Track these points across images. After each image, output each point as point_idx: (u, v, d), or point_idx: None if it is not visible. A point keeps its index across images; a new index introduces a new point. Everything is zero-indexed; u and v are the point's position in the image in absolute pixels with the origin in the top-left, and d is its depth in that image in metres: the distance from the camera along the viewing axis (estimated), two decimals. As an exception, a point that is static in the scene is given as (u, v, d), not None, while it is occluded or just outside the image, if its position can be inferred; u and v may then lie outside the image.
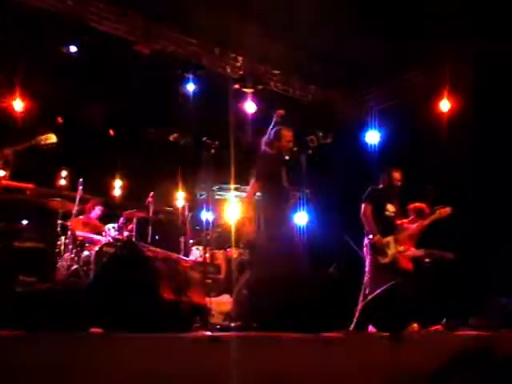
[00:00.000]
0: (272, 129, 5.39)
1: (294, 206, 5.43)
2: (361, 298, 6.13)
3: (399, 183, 6.46)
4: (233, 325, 4.70)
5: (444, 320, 6.03)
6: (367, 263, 6.30)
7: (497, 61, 7.35)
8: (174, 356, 2.79)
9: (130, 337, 2.87)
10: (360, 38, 7.14)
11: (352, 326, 6.00)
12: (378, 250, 6.21)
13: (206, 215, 7.68)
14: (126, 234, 6.85)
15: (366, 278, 6.21)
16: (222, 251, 7.86)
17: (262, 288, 4.31)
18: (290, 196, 5.22)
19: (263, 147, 5.34)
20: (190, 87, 7.88)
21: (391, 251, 6.23)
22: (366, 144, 9.30)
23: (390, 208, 6.40)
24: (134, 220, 7.09)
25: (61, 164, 7.43)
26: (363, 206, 6.33)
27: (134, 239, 6.70)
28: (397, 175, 6.48)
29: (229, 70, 8.13)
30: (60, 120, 7.86)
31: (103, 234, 6.82)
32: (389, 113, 9.23)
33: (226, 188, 8.14)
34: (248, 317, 4.40)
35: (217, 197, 8.70)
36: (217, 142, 5.31)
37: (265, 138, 5.37)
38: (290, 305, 3.97)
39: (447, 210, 6.53)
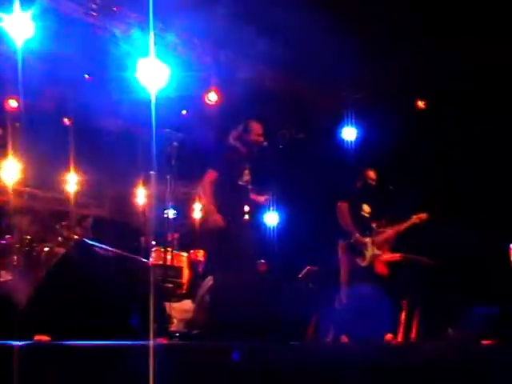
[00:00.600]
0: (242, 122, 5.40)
1: (258, 207, 5.43)
2: (336, 305, 6.16)
3: (374, 183, 6.52)
4: (194, 333, 4.68)
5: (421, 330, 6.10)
6: (344, 266, 6.32)
7: (484, 56, 7.44)
8: (129, 366, 2.75)
9: (79, 346, 2.81)
10: (336, 25, 7.14)
11: (327, 334, 6.04)
12: (355, 251, 6.23)
13: (169, 214, 7.62)
14: (79, 233, 6.76)
15: (342, 283, 6.24)
16: (185, 253, 7.81)
17: (226, 294, 4.28)
18: (249, 195, 5.20)
19: (231, 141, 5.32)
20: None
21: (369, 253, 6.26)
22: (342, 141, 9.33)
23: (366, 209, 6.44)
24: (90, 218, 7.01)
25: (8, 156, 7.26)
26: (339, 204, 6.35)
27: (88, 239, 6.60)
28: (371, 174, 6.54)
29: (196, 57, 8.06)
30: (8, 107, 7.71)
31: (54, 233, 6.72)
32: (367, 107, 9.27)
33: (191, 184, 8.08)
34: (210, 325, 4.37)
35: (181, 194, 8.63)
36: (180, 134, 5.27)
37: (233, 131, 5.36)
38: (255, 313, 3.95)
39: (423, 215, 6.60)
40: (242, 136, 5.27)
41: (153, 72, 7.06)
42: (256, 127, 5.30)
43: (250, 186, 5.24)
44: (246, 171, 5.19)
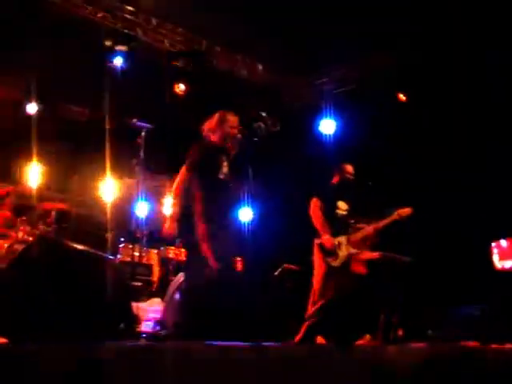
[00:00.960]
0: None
1: (237, 202, 5.38)
2: (309, 305, 6.14)
3: (352, 178, 6.46)
4: (162, 333, 4.64)
5: (400, 331, 6.12)
6: (316, 266, 6.29)
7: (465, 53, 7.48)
8: (90, 370, 2.69)
9: (39, 348, 2.74)
10: (315, 13, 7.12)
11: (299, 335, 6.03)
12: (327, 251, 6.20)
13: (138, 209, 7.55)
14: (41, 228, 6.67)
15: (314, 283, 6.21)
16: (156, 250, 7.76)
17: (197, 293, 4.24)
18: (231, 190, 5.16)
19: (204, 132, 5.27)
20: (120, 61, 7.68)
21: (342, 253, 6.22)
22: (320, 134, 9.32)
23: (342, 206, 6.39)
24: (53, 213, 6.92)
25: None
26: (311, 202, 6.31)
27: (50, 235, 6.51)
28: (349, 169, 6.49)
29: (167, 44, 7.97)
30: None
31: (16, 228, 6.60)
32: (346, 98, 9.27)
33: (161, 178, 8.02)
34: (180, 325, 4.33)
35: (151, 188, 8.56)
36: (149, 125, 5.19)
37: (207, 123, 5.30)
38: (227, 312, 3.92)
39: (407, 210, 6.55)
40: (216, 127, 5.22)
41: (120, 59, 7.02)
42: (231, 119, 5.26)
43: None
44: (225, 163, 5.15)
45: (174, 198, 5.01)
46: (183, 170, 5.02)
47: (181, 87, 8.44)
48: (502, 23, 7.06)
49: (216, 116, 5.26)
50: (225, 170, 5.12)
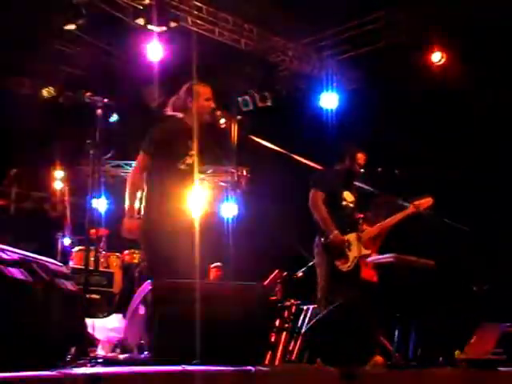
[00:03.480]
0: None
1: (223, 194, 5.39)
2: (312, 319, 6.15)
3: (362, 168, 6.45)
4: (122, 357, 4.62)
5: (419, 351, 6.13)
6: (319, 272, 6.28)
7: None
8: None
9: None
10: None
11: (294, 356, 6.04)
12: (335, 252, 6.18)
13: (96, 203, 7.53)
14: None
15: (319, 293, 6.21)
16: (117, 255, 7.75)
17: (164, 303, 4.24)
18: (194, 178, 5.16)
19: (170, 110, 5.27)
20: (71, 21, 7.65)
21: (353, 254, 6.22)
22: (320, 110, 9.35)
23: (349, 197, 6.39)
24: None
25: None
26: (312, 193, 6.28)
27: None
28: (361, 157, 6.47)
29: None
30: None
31: None
32: (351, 67, 9.29)
33: (124, 165, 8.02)
34: (144, 346, 4.33)
35: (111, 177, 8.57)
36: (106, 100, 5.16)
37: (173, 99, 5.29)
38: (201, 328, 3.91)
39: (428, 200, 6.55)
40: (184, 102, 5.22)
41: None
42: (203, 90, 5.24)
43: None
44: (192, 150, 5.13)
45: (129, 188, 5.06)
46: (141, 154, 5.07)
47: (157, 51, 8.38)
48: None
49: (184, 88, 5.25)
50: (189, 159, 5.10)
